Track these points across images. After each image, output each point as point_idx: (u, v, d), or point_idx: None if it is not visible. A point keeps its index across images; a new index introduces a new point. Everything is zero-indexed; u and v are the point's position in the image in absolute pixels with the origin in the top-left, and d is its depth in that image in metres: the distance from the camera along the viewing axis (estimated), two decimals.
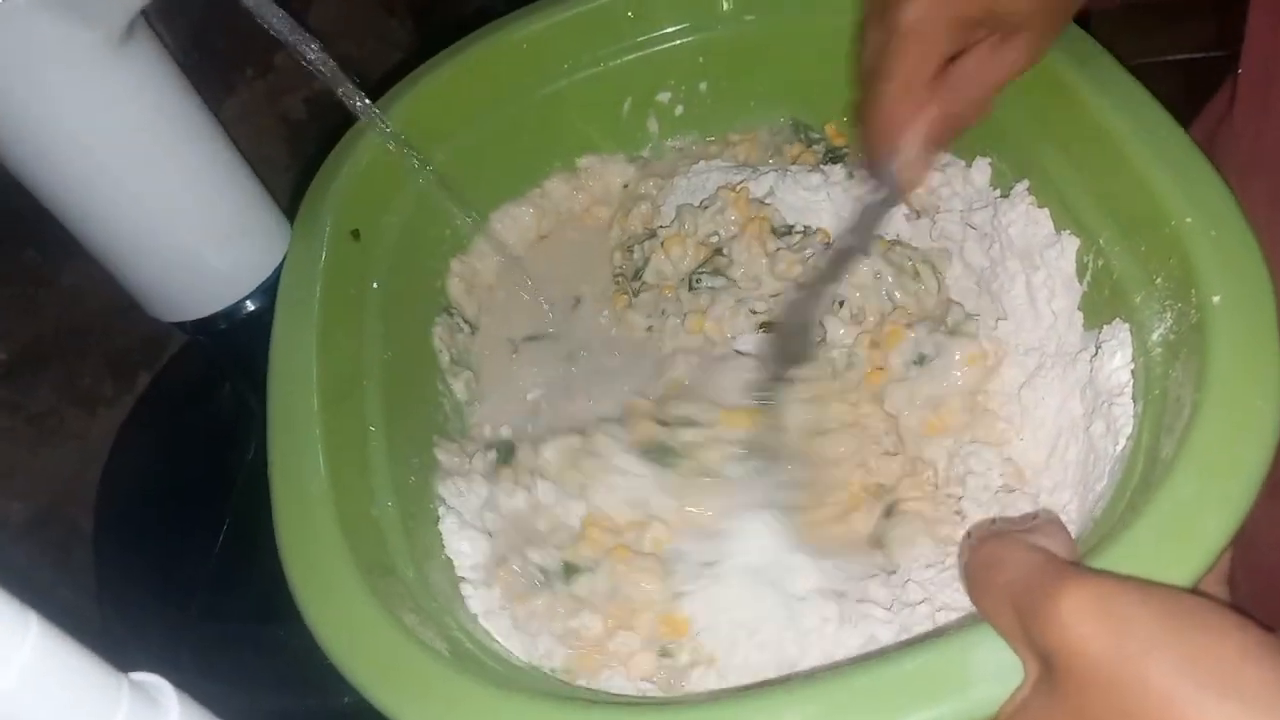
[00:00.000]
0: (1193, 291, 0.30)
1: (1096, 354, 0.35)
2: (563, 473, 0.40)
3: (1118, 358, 0.34)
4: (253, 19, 0.37)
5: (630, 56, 0.51)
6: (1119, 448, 0.33)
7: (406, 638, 0.28)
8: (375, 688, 0.27)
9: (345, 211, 0.43)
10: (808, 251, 0.45)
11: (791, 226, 0.47)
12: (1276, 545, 0.35)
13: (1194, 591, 0.24)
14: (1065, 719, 0.21)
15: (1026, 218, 0.40)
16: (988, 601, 0.24)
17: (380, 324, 0.41)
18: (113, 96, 0.38)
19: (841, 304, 0.43)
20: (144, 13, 0.38)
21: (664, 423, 0.41)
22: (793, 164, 0.51)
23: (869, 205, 0.41)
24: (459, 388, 0.46)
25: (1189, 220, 0.31)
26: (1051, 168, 0.39)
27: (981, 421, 0.39)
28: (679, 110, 0.53)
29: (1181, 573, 0.24)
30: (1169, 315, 0.32)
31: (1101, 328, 0.36)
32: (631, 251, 0.49)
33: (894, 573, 0.36)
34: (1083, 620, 0.21)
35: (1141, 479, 0.30)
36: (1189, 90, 0.44)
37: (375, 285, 0.43)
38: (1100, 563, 0.25)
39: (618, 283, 0.49)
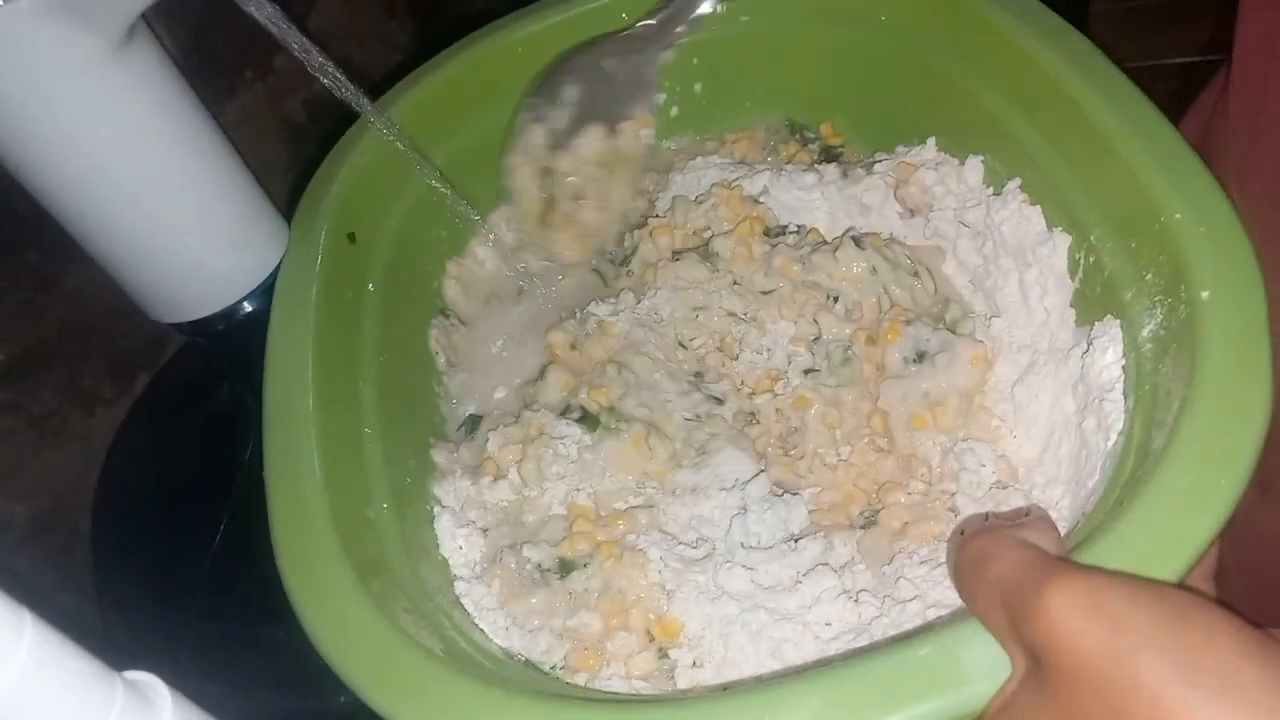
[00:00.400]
0: (1182, 287, 0.30)
1: (1088, 350, 0.35)
2: (519, 464, 0.40)
3: (1109, 354, 0.34)
4: (252, 21, 0.37)
5: None
6: (1110, 443, 0.33)
7: (402, 638, 0.29)
8: (371, 689, 0.28)
9: (342, 214, 0.43)
10: (803, 250, 0.45)
11: (785, 227, 0.47)
12: (1268, 540, 0.35)
13: (1182, 587, 0.24)
14: (1054, 716, 0.21)
15: (1019, 215, 0.40)
16: (976, 597, 0.24)
17: (376, 326, 0.41)
18: (112, 100, 0.38)
19: (836, 299, 0.43)
20: (144, 16, 0.38)
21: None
22: (788, 163, 0.51)
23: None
24: (456, 389, 0.46)
25: (1178, 216, 0.31)
26: (1044, 165, 0.39)
27: (975, 418, 0.39)
28: (674, 111, 0.53)
29: (1170, 565, 0.25)
30: (1159, 311, 0.32)
31: (1093, 324, 0.36)
32: (621, 240, 0.49)
33: (886, 568, 0.36)
34: (1072, 617, 0.21)
35: (1132, 474, 0.30)
36: (1188, 93, 0.45)
37: (371, 287, 0.43)
38: (1089, 556, 0.25)
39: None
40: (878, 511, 0.38)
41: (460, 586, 0.36)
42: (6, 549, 0.49)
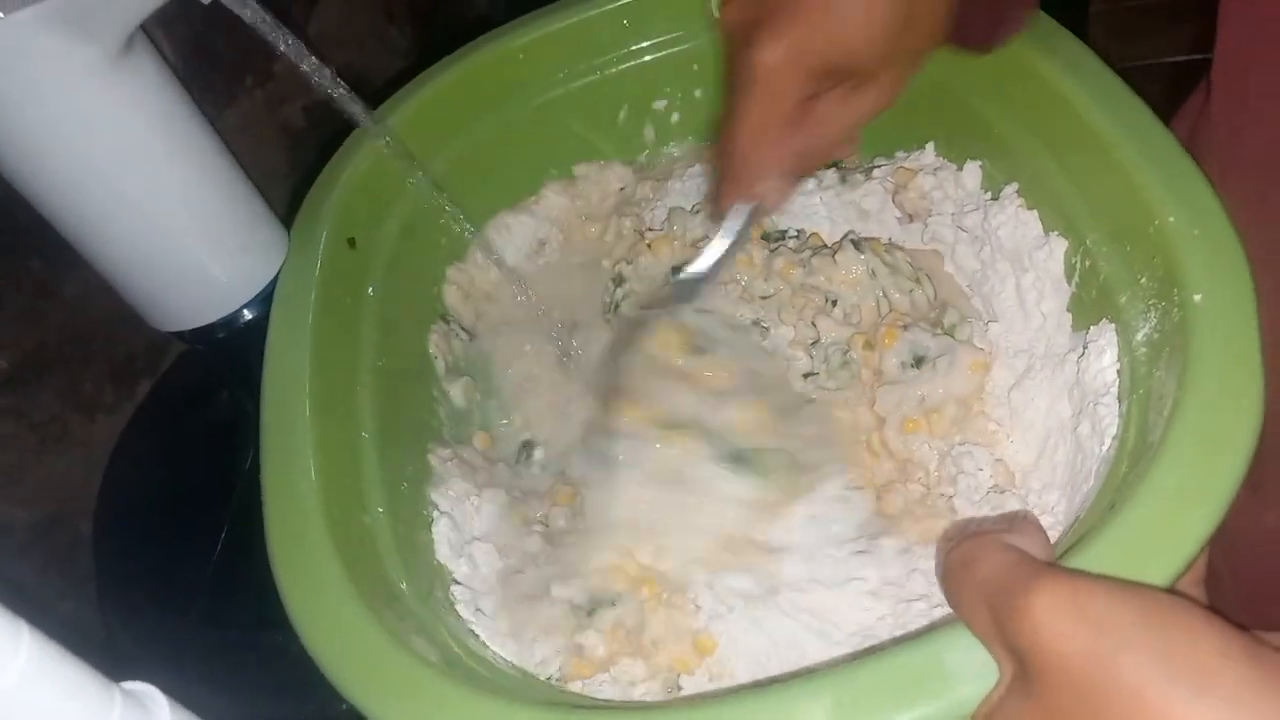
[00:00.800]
0: (1175, 291, 0.30)
1: (1084, 355, 0.35)
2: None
3: (1104, 358, 0.34)
4: (250, 28, 0.38)
5: (626, 65, 0.51)
6: (1105, 448, 0.33)
7: (396, 645, 0.29)
8: (365, 696, 0.28)
9: (342, 220, 0.43)
10: (803, 254, 0.45)
11: (784, 232, 0.47)
12: (1259, 543, 0.35)
13: (1172, 592, 0.24)
14: (1040, 718, 0.21)
15: (1016, 220, 0.40)
16: (962, 601, 0.24)
17: (376, 331, 0.41)
18: (112, 110, 0.38)
19: (834, 303, 0.43)
20: (143, 24, 0.38)
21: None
22: None
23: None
24: (456, 394, 0.46)
25: (1172, 220, 0.31)
26: (1040, 170, 0.39)
27: (972, 423, 0.39)
28: (675, 117, 0.53)
29: (1160, 568, 0.25)
30: (1153, 315, 0.32)
31: (1089, 328, 0.36)
32: (615, 283, 0.49)
33: (888, 566, 0.36)
34: (1056, 620, 0.21)
35: (1125, 478, 0.30)
36: (1187, 93, 0.45)
37: (371, 292, 0.43)
38: (1081, 558, 0.25)
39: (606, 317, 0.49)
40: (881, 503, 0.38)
41: (457, 591, 0.36)
42: (8, 555, 0.49)
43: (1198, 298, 0.29)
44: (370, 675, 0.28)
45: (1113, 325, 0.34)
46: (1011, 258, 0.41)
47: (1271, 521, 0.35)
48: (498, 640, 0.35)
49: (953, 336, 0.41)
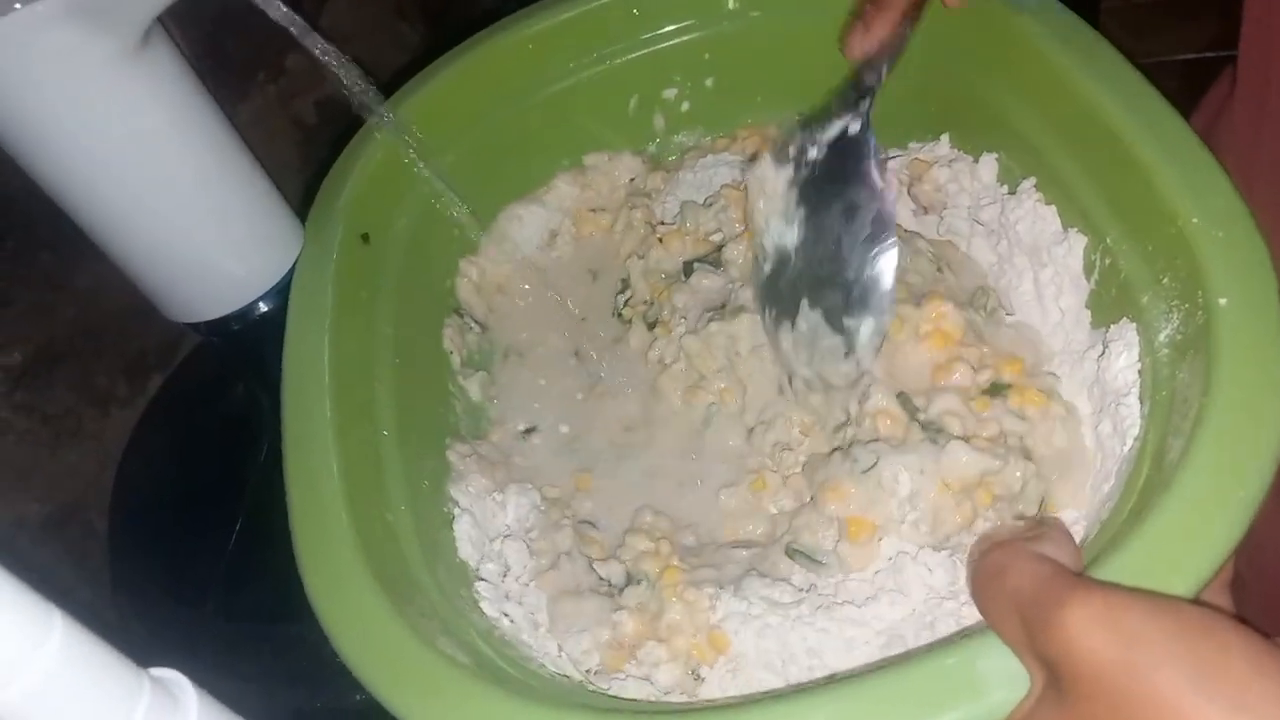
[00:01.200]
0: (1200, 293, 0.30)
1: (1104, 353, 0.35)
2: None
3: (1125, 357, 0.34)
4: (264, 23, 0.37)
5: (636, 54, 0.51)
6: (1126, 448, 0.33)
7: (421, 643, 0.29)
8: (389, 691, 0.28)
9: (356, 214, 0.43)
10: None
11: None
12: None
13: (1198, 602, 0.24)
14: None
15: (1034, 214, 0.40)
16: (993, 610, 0.24)
17: (391, 326, 0.41)
18: (129, 102, 0.38)
19: None
20: (160, 19, 0.38)
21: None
22: None
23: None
24: (473, 389, 0.46)
25: (1196, 221, 0.31)
26: (1059, 164, 0.39)
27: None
28: (685, 107, 0.53)
29: (1187, 578, 0.25)
30: (1176, 316, 0.32)
31: (1109, 327, 0.36)
32: (623, 284, 0.49)
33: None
34: (1090, 633, 0.21)
35: (1148, 481, 0.30)
36: (1195, 90, 0.44)
37: (386, 287, 0.43)
38: (1106, 568, 0.25)
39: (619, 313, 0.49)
40: None
41: (480, 587, 0.36)
42: (23, 548, 0.49)
43: (1223, 301, 0.29)
44: (395, 672, 0.28)
45: (1134, 324, 0.34)
46: (1029, 252, 0.40)
47: None
48: (535, 637, 0.35)
49: (988, 315, 0.40)
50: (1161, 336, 0.33)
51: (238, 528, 0.47)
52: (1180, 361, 0.31)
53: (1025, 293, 0.41)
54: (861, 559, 0.35)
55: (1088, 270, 0.38)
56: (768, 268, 0.40)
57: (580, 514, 0.42)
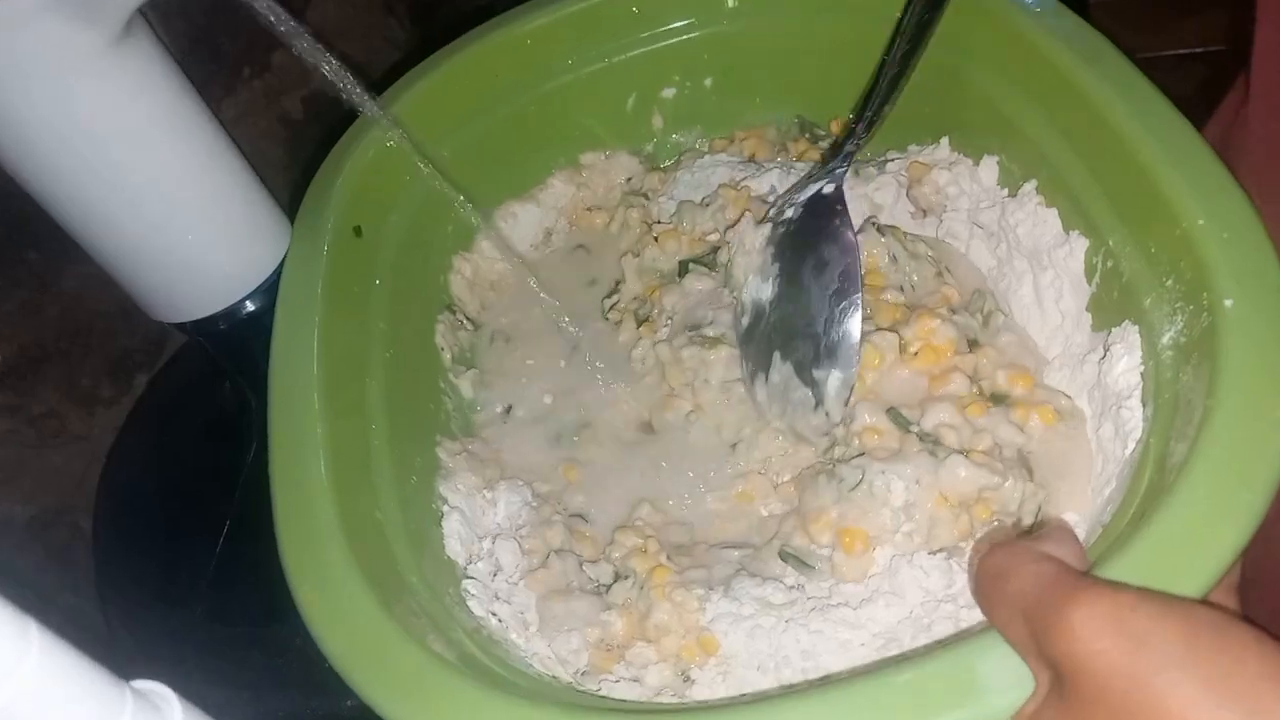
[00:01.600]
0: (1204, 295, 0.30)
1: (1105, 356, 0.35)
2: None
3: (1126, 360, 0.34)
4: (250, 19, 0.37)
5: (634, 52, 0.50)
6: (1128, 451, 0.32)
7: (409, 642, 0.28)
8: (377, 693, 0.27)
9: (348, 208, 0.42)
10: None
11: None
12: None
13: (1206, 601, 0.23)
14: None
15: (1034, 217, 0.40)
16: (997, 611, 0.24)
17: (382, 322, 0.41)
18: (112, 96, 0.37)
19: None
20: (142, 12, 0.37)
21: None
22: (798, 161, 0.50)
23: None
24: (464, 386, 0.46)
25: (1201, 222, 0.31)
26: (1060, 167, 0.39)
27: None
28: (684, 106, 0.53)
29: (1193, 582, 0.24)
30: (1180, 318, 0.32)
31: (1110, 330, 0.35)
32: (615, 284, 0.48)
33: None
34: (1097, 635, 0.20)
35: (1151, 485, 0.29)
36: (1202, 85, 0.44)
37: (378, 283, 0.42)
38: (1111, 571, 0.24)
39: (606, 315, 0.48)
40: None
41: (469, 585, 0.36)
42: (7, 550, 0.48)
43: (1229, 303, 0.29)
44: (383, 673, 0.28)
45: (1136, 327, 0.34)
46: (1029, 255, 0.40)
47: None
48: (524, 637, 0.35)
49: (987, 324, 0.40)
50: (1165, 339, 0.32)
51: (226, 529, 0.46)
52: (1184, 364, 0.31)
53: (1025, 296, 0.41)
54: (855, 570, 0.35)
55: (1089, 273, 0.38)
56: (745, 321, 0.41)
57: (571, 508, 0.41)
